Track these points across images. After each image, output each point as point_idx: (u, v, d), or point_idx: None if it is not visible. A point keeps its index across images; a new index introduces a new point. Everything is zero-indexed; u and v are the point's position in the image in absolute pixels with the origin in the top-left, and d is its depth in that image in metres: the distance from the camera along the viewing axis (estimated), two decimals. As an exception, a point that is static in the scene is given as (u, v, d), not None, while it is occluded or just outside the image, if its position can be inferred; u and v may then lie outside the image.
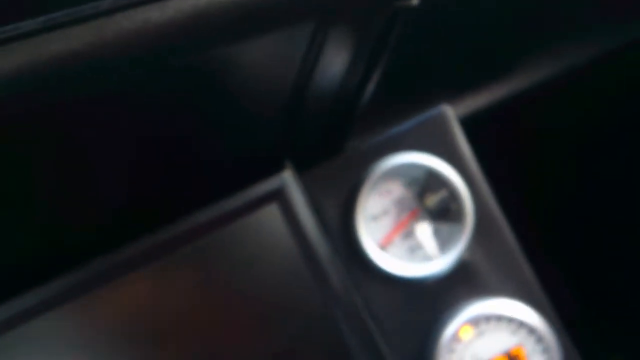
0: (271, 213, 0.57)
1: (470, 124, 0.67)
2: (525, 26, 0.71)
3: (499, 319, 0.57)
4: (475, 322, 0.57)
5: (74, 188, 0.49)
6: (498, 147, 0.92)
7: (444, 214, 0.59)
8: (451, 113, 0.60)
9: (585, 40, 0.85)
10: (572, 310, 0.85)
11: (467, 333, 0.57)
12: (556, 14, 0.73)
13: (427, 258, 0.59)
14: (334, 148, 0.61)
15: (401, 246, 0.59)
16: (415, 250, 0.59)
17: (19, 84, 0.31)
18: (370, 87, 0.54)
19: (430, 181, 0.59)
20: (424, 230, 0.59)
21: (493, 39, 0.69)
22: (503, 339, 0.57)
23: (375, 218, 0.59)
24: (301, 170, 0.58)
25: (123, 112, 0.43)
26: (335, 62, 0.49)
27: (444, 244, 0.59)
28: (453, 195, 0.59)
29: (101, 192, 0.52)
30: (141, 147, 0.50)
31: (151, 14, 0.34)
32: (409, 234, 0.59)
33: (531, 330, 0.57)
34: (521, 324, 0.57)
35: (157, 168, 0.53)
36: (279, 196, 0.56)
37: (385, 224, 0.59)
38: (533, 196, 0.96)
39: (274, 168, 0.57)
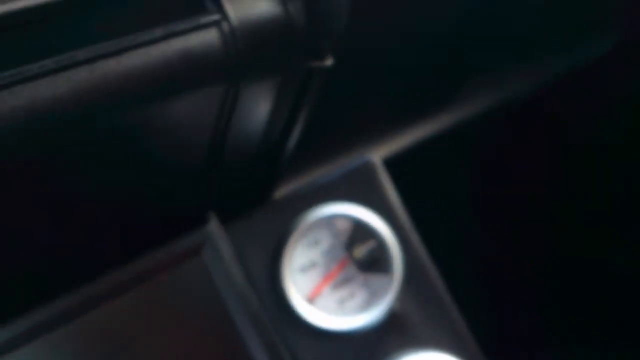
0: (195, 267, 0.55)
1: (398, 163, 0.66)
2: (451, 63, 0.71)
3: (430, 371, 0.56)
4: (406, 376, 0.56)
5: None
6: (425, 187, 0.92)
7: (373, 264, 0.58)
8: (378, 162, 0.59)
9: (521, 72, 0.85)
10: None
11: (397, 389, 0.56)
12: (485, 48, 0.73)
13: (357, 310, 0.57)
14: (260, 197, 0.60)
15: (330, 298, 0.58)
16: (345, 301, 0.58)
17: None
18: (294, 137, 0.53)
19: (358, 232, 0.58)
20: (353, 281, 0.58)
21: (420, 76, 0.69)
22: (434, 394, 0.56)
23: (303, 269, 0.57)
24: (226, 220, 0.56)
25: (38, 171, 0.41)
26: (253, 116, 0.47)
27: (373, 295, 0.58)
28: (381, 245, 0.58)
29: (10, 252, 0.50)
30: (56, 205, 0.48)
31: (40, 89, 0.33)
32: (338, 285, 0.58)
33: (462, 383, 0.56)
34: (452, 377, 0.56)
35: (72, 226, 0.51)
36: (203, 249, 0.55)
37: (314, 276, 0.58)
38: (463, 237, 0.97)
39: (198, 219, 0.56)
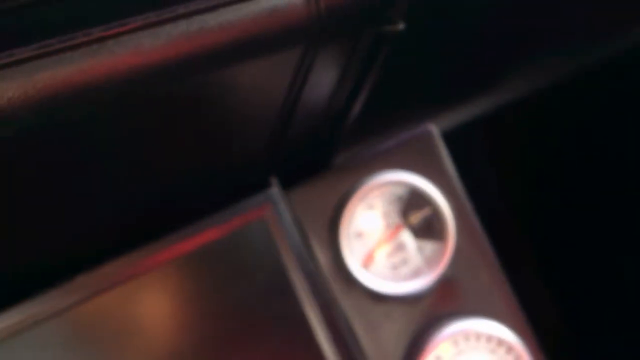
0: (257, 229, 0.57)
1: (455, 137, 0.68)
2: (509, 40, 0.72)
3: (478, 337, 0.58)
4: (454, 339, 0.57)
5: (63, 203, 0.49)
6: (482, 159, 0.93)
7: (427, 231, 0.60)
8: (436, 132, 0.61)
9: (570, 54, 0.86)
10: (553, 328, 0.86)
11: (446, 351, 0.57)
12: (540, 29, 0.74)
13: (410, 275, 0.59)
14: (320, 164, 0.61)
15: (384, 263, 0.59)
16: (398, 267, 0.59)
17: (12, 110, 0.31)
18: (358, 105, 0.55)
19: (414, 199, 0.59)
20: (407, 247, 0.60)
21: (477, 54, 0.70)
22: (481, 357, 0.58)
23: (359, 235, 0.59)
24: (287, 185, 0.58)
25: (117, 132, 0.43)
26: (323, 81, 0.49)
27: (426, 261, 0.59)
28: (436, 213, 0.59)
29: (85, 210, 0.52)
30: (130, 164, 0.50)
31: (143, 40, 0.35)
32: (392, 250, 0.60)
33: (509, 349, 0.58)
34: (499, 342, 0.58)
35: (144, 185, 0.53)
36: (264, 213, 0.57)
37: (369, 241, 0.59)
38: (516, 209, 0.97)
39: (260, 184, 0.57)
